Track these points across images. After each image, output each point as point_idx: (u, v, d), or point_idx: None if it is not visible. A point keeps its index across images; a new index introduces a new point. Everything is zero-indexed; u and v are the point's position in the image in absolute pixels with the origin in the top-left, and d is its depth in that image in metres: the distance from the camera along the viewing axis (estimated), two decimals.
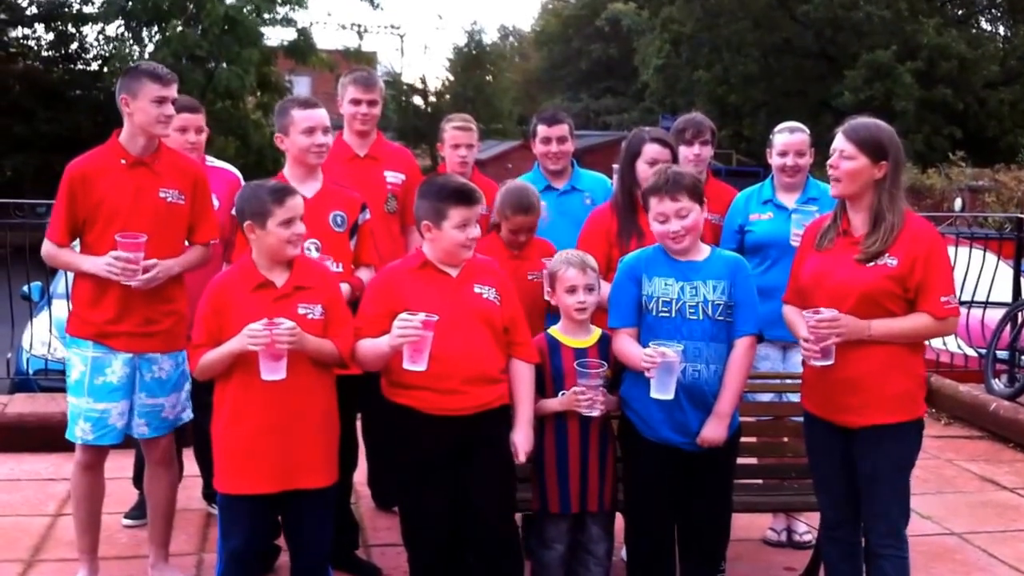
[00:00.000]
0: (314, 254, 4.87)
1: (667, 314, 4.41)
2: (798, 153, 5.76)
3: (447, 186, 4.43)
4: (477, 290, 4.39)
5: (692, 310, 4.40)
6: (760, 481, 5.48)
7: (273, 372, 4.13)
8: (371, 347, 4.32)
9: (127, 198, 4.76)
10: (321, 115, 5.07)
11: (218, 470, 4.38)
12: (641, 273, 4.48)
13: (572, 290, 4.58)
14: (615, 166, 5.55)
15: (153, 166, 4.83)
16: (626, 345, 4.48)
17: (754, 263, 5.70)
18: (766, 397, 5.69)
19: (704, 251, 4.52)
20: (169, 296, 4.87)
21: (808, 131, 5.88)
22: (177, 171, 4.92)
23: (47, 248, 4.88)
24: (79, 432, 4.88)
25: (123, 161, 4.79)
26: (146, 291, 4.74)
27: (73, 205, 4.77)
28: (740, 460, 5.08)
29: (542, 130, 5.94)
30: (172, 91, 4.80)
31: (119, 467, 5.81)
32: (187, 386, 5.06)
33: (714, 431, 4.42)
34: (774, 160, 5.81)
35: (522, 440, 4.41)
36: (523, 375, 4.49)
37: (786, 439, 5.60)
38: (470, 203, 4.36)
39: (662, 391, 4.26)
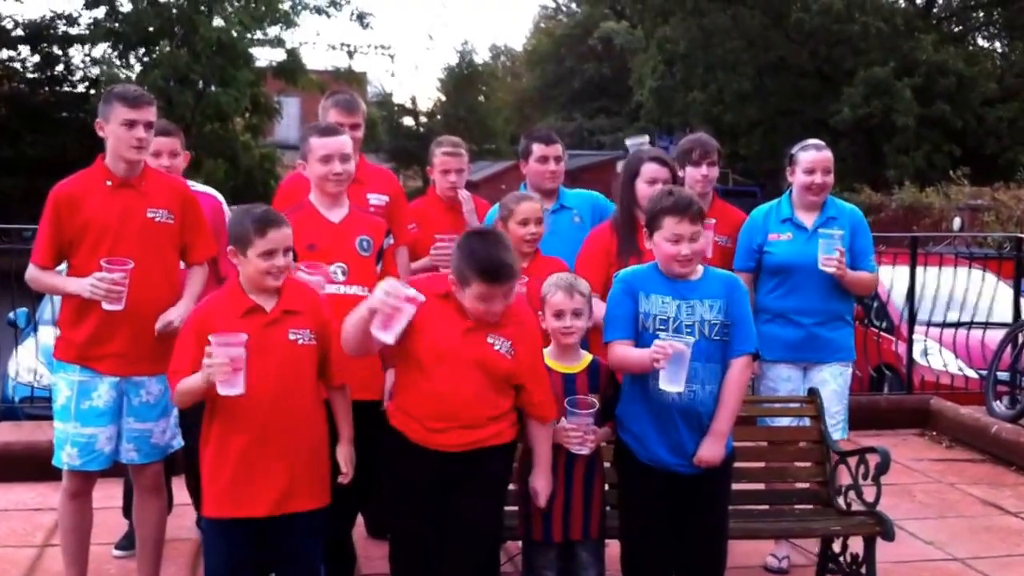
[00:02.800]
0: (340, 278, 4.81)
1: (665, 332, 4.35)
2: (825, 171, 5.68)
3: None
4: (489, 340, 4.23)
5: (688, 330, 4.35)
6: (767, 506, 5.41)
7: (229, 388, 3.99)
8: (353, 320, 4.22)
9: (113, 219, 4.70)
10: (339, 143, 4.94)
11: (204, 494, 4.29)
12: (638, 289, 4.42)
13: (559, 315, 4.50)
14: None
15: (139, 187, 4.78)
16: (625, 351, 4.39)
17: (772, 284, 5.72)
18: (785, 421, 5.61)
19: (698, 270, 4.46)
20: (155, 318, 4.77)
21: (828, 147, 5.79)
22: (165, 191, 4.87)
23: (31, 272, 4.81)
24: (65, 458, 4.79)
25: (108, 183, 4.73)
26: (132, 313, 4.67)
27: (58, 227, 4.71)
28: (747, 486, 5.04)
29: (539, 149, 5.87)
30: (145, 114, 4.72)
31: (108, 496, 5.74)
32: (175, 411, 4.97)
33: (711, 451, 4.37)
34: (799, 178, 5.72)
35: (542, 485, 4.40)
36: (541, 434, 4.43)
37: (791, 464, 5.56)
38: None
39: (673, 382, 4.20)
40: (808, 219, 5.71)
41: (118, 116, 4.67)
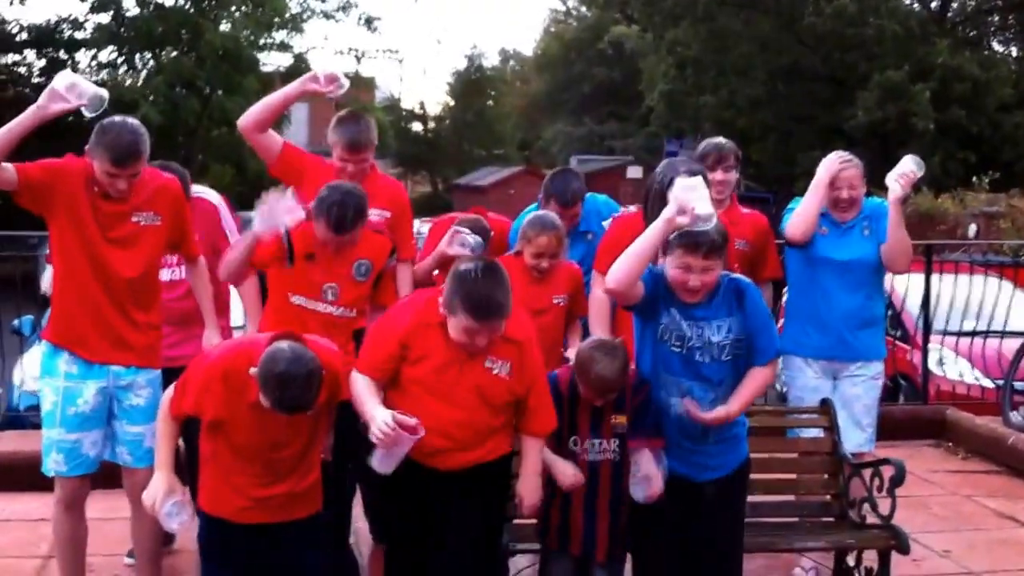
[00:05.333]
0: (329, 297, 4.81)
1: (679, 349, 4.32)
2: (850, 186, 5.60)
3: None
4: (487, 365, 4.17)
5: (699, 351, 4.30)
6: (779, 519, 5.36)
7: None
8: (357, 397, 4.19)
9: (96, 227, 4.65)
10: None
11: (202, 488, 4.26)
12: (660, 299, 4.34)
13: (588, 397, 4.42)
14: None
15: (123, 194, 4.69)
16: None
17: (804, 279, 5.70)
18: (812, 432, 5.55)
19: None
20: (136, 312, 4.78)
21: (861, 164, 5.68)
22: (152, 192, 4.80)
23: None
24: (52, 464, 4.77)
25: (96, 188, 4.66)
26: (116, 306, 4.69)
27: (42, 174, 4.64)
28: (759, 498, 5.02)
29: (556, 208, 5.65)
30: (129, 170, 4.60)
31: (114, 508, 5.67)
32: None
33: (711, 414, 4.27)
34: (829, 192, 5.66)
35: (528, 490, 4.29)
36: (531, 444, 4.35)
37: (804, 476, 5.51)
38: None
39: (384, 466, 4.12)
40: (843, 218, 5.66)
41: (102, 165, 4.57)
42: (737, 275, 4.53)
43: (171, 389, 4.19)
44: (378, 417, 3.99)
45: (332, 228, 4.66)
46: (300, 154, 5.44)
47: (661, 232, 4.10)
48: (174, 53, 26.16)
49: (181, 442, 5.07)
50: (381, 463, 4.06)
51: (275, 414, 3.91)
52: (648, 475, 4.25)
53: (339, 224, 4.66)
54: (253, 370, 3.88)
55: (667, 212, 4.07)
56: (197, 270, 5.16)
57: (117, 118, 4.67)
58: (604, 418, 4.39)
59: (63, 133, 27.43)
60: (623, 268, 4.14)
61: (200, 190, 5.86)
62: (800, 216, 5.57)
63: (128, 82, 26.80)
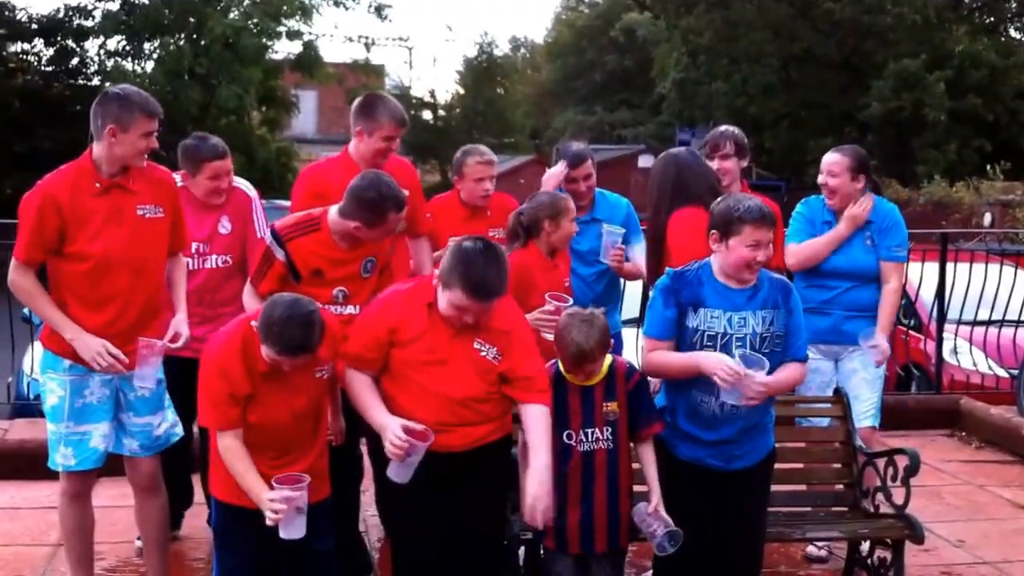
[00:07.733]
0: (339, 300, 4.78)
1: (712, 349, 4.29)
2: (829, 173, 5.64)
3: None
4: (476, 346, 4.19)
5: (739, 343, 4.26)
6: (793, 508, 5.32)
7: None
8: (359, 403, 4.26)
9: (103, 223, 4.60)
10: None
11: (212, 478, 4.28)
12: (687, 305, 4.33)
13: (569, 370, 4.37)
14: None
15: (128, 185, 4.67)
16: (663, 358, 4.36)
17: (810, 276, 5.72)
18: (824, 422, 5.54)
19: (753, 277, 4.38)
20: (145, 311, 4.74)
21: (850, 154, 5.71)
22: (154, 185, 4.78)
23: (16, 275, 4.61)
24: (60, 459, 4.75)
25: (97, 184, 4.61)
26: (124, 311, 4.65)
27: (43, 226, 4.55)
28: (772, 487, 4.96)
29: (567, 172, 5.92)
30: (158, 120, 4.66)
31: (123, 494, 5.61)
32: (168, 401, 4.94)
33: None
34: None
35: (537, 493, 4.11)
36: (536, 420, 4.20)
37: (818, 465, 5.51)
38: None
39: (734, 397, 4.19)
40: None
41: (139, 127, 4.55)
42: (779, 276, 4.56)
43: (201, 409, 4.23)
44: (389, 430, 4.06)
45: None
46: (328, 184, 5.29)
47: (688, 371, 4.36)
48: (182, 42, 26.16)
49: (196, 431, 5.07)
50: (397, 473, 4.10)
51: (282, 381, 3.99)
52: (655, 533, 4.26)
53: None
54: (254, 323, 3.93)
55: (714, 368, 4.22)
56: (178, 263, 5.05)
57: (125, 85, 4.74)
58: (595, 407, 4.36)
59: (70, 120, 27.43)
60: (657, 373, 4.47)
61: (239, 182, 5.90)
62: (805, 254, 5.66)
63: (138, 71, 26.82)
